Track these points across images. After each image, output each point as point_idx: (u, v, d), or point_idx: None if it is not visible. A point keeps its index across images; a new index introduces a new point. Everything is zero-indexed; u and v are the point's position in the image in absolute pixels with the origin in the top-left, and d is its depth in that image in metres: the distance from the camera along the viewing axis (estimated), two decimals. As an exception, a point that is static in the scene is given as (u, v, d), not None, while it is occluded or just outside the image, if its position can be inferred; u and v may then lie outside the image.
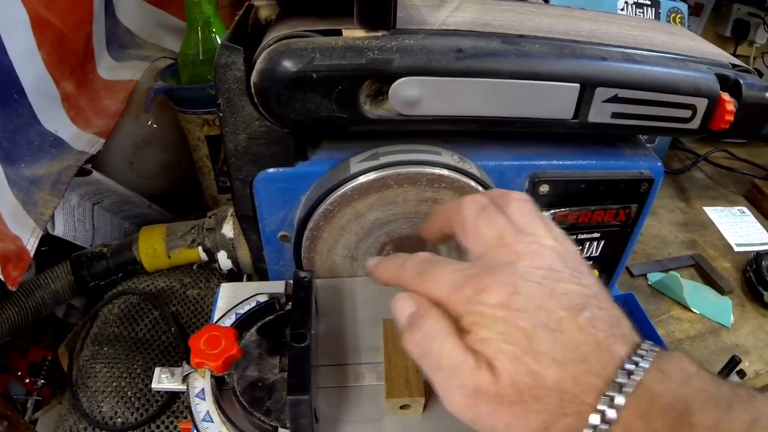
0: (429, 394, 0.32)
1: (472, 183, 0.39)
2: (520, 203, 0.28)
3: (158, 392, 0.45)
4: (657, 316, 0.58)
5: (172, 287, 0.50)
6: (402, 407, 0.31)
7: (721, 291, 0.61)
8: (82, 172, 0.49)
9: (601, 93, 0.38)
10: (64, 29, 0.51)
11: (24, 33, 0.47)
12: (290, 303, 0.37)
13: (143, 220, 0.58)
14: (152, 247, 0.48)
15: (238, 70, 0.35)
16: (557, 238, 0.26)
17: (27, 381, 0.53)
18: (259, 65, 0.34)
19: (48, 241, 0.45)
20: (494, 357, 0.23)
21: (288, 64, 0.33)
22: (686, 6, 0.64)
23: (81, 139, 0.51)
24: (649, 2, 0.62)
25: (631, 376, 0.21)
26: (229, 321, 0.36)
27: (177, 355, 0.47)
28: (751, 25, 0.94)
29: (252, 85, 0.34)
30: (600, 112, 0.39)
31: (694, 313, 0.58)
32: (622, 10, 0.61)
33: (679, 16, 0.63)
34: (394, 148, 0.38)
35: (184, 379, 0.33)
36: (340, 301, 0.38)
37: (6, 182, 0.45)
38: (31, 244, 0.44)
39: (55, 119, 0.50)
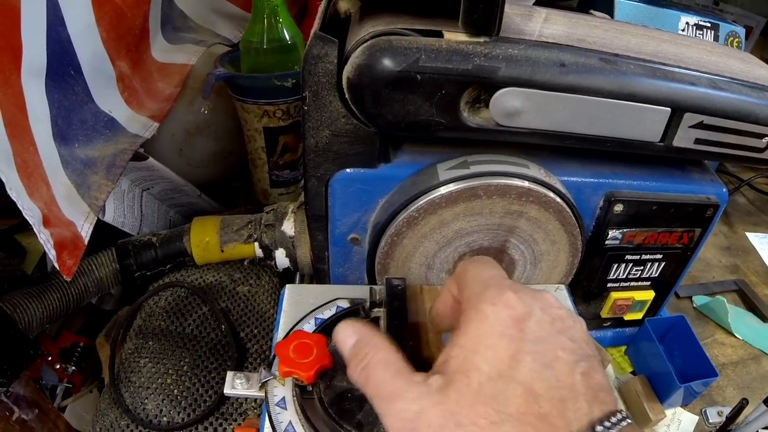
0: None
1: (558, 199, 0.38)
2: None
3: (206, 392, 0.43)
4: (701, 339, 0.57)
5: (222, 282, 0.48)
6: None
7: (763, 318, 0.61)
8: (137, 156, 0.47)
9: (689, 118, 0.37)
10: (123, 6, 0.49)
11: (84, 7, 0.45)
12: (374, 309, 0.36)
13: (191, 210, 0.56)
14: (205, 240, 0.46)
15: (330, 63, 0.34)
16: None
17: (58, 367, 0.51)
18: (355, 60, 0.32)
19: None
20: (466, 373, 0.22)
21: (390, 63, 0.31)
22: (744, 30, 0.64)
23: (135, 122, 0.49)
24: (709, 24, 0.62)
25: None
26: (308, 326, 0.35)
27: (226, 354, 0.45)
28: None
29: (345, 80, 0.33)
30: (685, 137, 0.38)
31: (737, 338, 0.58)
32: (683, 30, 0.61)
33: (737, 39, 0.63)
34: (484, 158, 0.37)
35: (262, 386, 0.32)
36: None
37: (60, 162, 0.43)
38: (85, 231, 0.42)
39: (109, 99, 0.48)
